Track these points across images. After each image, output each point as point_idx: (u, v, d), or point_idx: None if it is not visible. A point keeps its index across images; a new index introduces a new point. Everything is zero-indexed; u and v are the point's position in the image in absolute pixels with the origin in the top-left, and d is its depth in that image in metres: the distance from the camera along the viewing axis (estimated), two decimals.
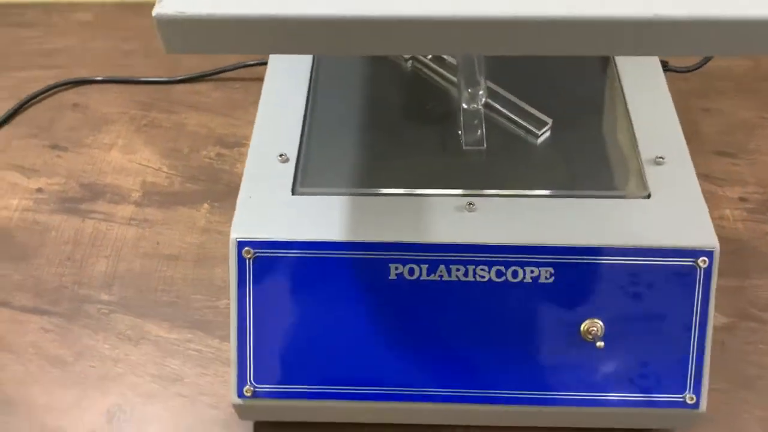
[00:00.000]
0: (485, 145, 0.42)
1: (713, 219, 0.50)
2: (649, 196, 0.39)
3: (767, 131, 0.57)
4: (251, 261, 0.37)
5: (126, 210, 0.54)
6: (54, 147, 0.59)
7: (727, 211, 0.52)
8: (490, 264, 0.37)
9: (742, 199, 0.53)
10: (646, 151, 0.41)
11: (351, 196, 0.39)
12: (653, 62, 0.47)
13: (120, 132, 0.60)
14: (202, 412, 0.43)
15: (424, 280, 0.38)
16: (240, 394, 0.38)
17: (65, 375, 0.45)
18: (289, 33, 0.26)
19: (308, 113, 0.44)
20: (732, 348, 0.45)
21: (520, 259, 0.37)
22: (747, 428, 0.42)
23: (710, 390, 0.42)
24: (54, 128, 0.60)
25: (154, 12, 0.26)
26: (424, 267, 0.37)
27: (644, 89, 0.45)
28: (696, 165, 0.53)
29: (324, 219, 0.38)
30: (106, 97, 0.63)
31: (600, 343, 0.36)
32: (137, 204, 0.54)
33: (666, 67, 0.58)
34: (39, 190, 0.55)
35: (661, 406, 0.38)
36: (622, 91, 0.45)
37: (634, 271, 0.37)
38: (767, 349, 0.45)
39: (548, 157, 0.42)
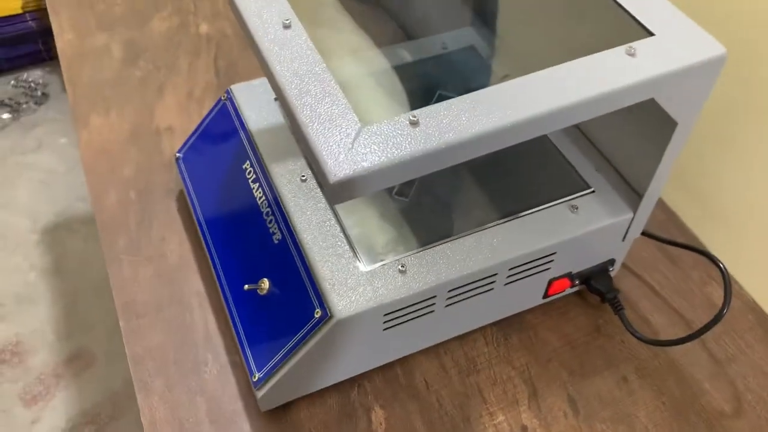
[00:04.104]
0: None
1: (486, 412, 0.57)
2: (364, 271, 0.50)
3: None
4: (223, 102, 0.62)
5: None
6: None
7: (501, 418, 0.54)
8: (269, 205, 0.55)
9: (523, 428, 0.54)
10: (406, 260, 0.50)
11: (284, 122, 0.59)
12: None
13: None
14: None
15: (249, 183, 0.57)
16: (175, 153, 0.65)
17: None
18: None
19: None
20: None
21: (278, 217, 0.54)
22: None
23: None
24: None
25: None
26: (253, 176, 0.57)
27: None
28: (541, 381, 0.59)
29: (263, 117, 0.60)
30: None
31: (247, 286, 0.52)
32: None
33: (617, 311, 0.57)
34: None
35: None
36: None
37: (301, 282, 0.50)
38: None
39: (376, 206, 0.54)
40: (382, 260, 0.51)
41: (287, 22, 0.44)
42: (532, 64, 0.44)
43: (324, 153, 0.37)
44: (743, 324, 0.60)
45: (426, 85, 0.60)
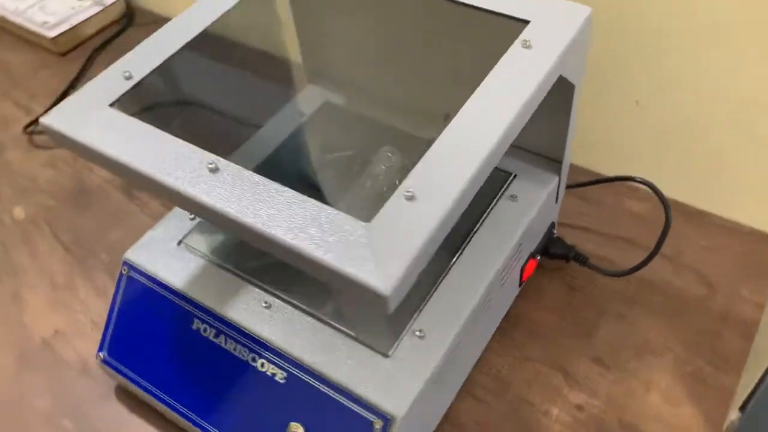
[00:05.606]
0: None
1: (540, 410, 0.56)
2: (386, 356, 0.48)
3: (658, 360, 0.58)
4: (125, 276, 0.55)
5: None
6: None
7: (556, 410, 0.56)
8: (250, 349, 0.50)
9: (578, 407, 0.56)
10: (416, 324, 0.49)
11: (204, 261, 0.54)
12: None
13: None
14: None
15: (210, 339, 0.51)
16: (96, 355, 0.56)
17: None
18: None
19: None
20: None
21: (268, 355, 0.49)
22: None
23: None
24: None
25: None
26: (213, 331, 0.51)
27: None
28: (564, 359, 0.58)
29: (178, 269, 0.54)
30: None
31: None
32: None
33: (585, 262, 0.62)
34: None
35: None
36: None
37: (336, 404, 0.47)
38: None
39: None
40: (396, 337, 0.49)
41: (212, 165, 0.40)
42: (447, 98, 0.45)
43: (359, 274, 0.34)
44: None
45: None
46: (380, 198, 0.54)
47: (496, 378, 0.58)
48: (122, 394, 0.59)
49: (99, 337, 0.63)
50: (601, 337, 0.60)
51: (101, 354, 0.56)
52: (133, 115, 0.44)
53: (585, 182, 0.65)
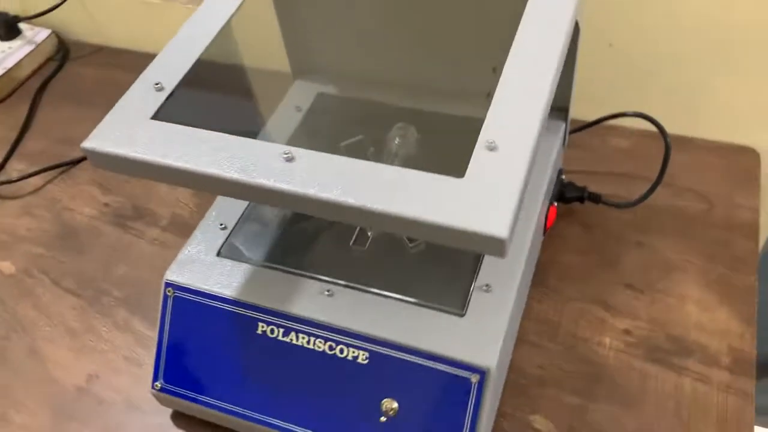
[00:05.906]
0: (366, 247, 0.54)
1: (593, 343, 0.59)
2: (462, 316, 0.49)
3: (683, 275, 0.62)
4: (171, 298, 0.54)
5: None
6: None
7: (607, 339, 0.59)
8: (325, 339, 0.50)
9: (626, 331, 0.59)
10: (480, 279, 0.51)
11: (250, 266, 0.54)
12: None
13: None
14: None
15: (280, 339, 0.51)
16: (152, 386, 0.55)
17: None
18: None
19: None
20: None
21: (346, 340, 0.49)
22: None
23: None
24: None
25: (83, 145, 0.42)
26: (281, 330, 0.51)
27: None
28: (600, 292, 0.61)
29: (226, 278, 0.53)
30: None
31: (383, 418, 0.48)
32: None
33: (599, 200, 0.65)
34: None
35: None
36: None
37: (426, 370, 0.48)
38: None
39: (406, 267, 0.53)
40: (465, 296, 0.50)
41: (288, 155, 0.40)
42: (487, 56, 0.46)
43: (473, 225, 0.35)
44: (653, 149, 0.72)
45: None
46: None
47: (543, 322, 0.60)
48: (181, 419, 0.57)
49: (137, 371, 0.61)
50: (627, 266, 0.63)
51: (158, 383, 0.54)
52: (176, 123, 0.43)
53: (586, 124, 0.68)
